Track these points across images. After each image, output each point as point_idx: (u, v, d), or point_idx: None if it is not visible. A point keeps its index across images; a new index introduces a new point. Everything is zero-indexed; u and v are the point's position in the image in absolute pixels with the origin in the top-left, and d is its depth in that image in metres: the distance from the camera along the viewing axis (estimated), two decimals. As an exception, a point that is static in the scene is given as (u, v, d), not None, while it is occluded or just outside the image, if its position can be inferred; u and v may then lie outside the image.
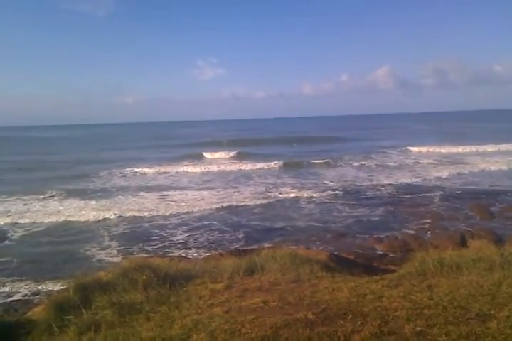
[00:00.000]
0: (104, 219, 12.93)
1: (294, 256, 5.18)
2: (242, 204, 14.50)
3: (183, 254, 9.18)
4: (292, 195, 15.63)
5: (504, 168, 21.17)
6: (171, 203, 14.86)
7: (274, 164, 24.39)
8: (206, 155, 31.47)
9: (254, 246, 9.64)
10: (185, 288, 4.44)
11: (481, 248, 5.36)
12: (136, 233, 11.48)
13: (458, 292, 3.64)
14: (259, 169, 23.57)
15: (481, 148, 29.77)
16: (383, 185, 17.16)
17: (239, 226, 11.81)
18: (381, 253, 9.09)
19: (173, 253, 9.50)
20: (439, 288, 3.80)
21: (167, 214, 13.38)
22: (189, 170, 23.86)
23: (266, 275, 4.70)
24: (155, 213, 13.46)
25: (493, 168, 21.22)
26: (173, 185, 19.06)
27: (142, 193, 17.02)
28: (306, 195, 15.62)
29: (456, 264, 4.39)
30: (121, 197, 16.44)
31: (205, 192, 16.74)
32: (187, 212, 13.53)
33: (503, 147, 29.94)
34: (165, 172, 23.30)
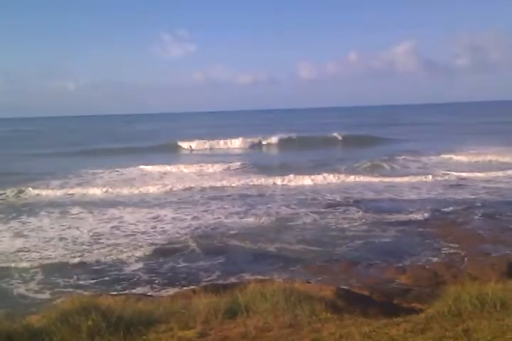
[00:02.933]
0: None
1: (289, 293, 5.19)
2: (218, 220, 14.73)
3: (142, 291, 9.12)
4: (285, 212, 15.80)
5: None
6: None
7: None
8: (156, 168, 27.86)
9: (235, 279, 9.70)
10: (145, 337, 4.41)
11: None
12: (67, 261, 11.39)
13: (503, 338, 3.68)
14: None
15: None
16: (406, 200, 17.45)
17: (215, 251, 11.91)
18: (404, 287, 9.14)
19: (125, 289, 9.42)
20: (478, 332, 3.84)
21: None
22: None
23: (253, 319, 4.70)
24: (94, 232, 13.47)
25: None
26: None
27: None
28: (303, 210, 15.82)
29: (502, 301, 4.44)
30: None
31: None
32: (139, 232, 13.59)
33: None
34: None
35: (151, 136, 54.56)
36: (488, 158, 28.43)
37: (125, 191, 20.94)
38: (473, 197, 17.46)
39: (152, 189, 21.07)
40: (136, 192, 20.78)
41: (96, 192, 20.97)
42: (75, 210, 17.13)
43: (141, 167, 27.81)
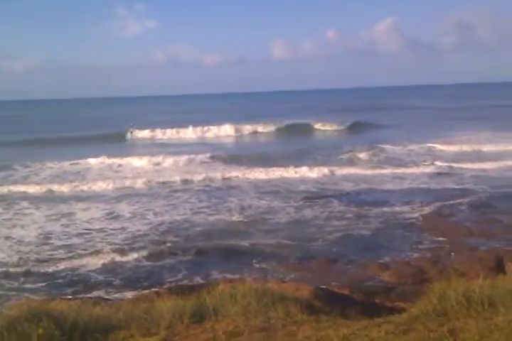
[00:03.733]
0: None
1: (262, 294, 5.20)
2: (184, 217, 14.69)
3: (99, 294, 9.05)
4: (258, 205, 15.99)
5: None
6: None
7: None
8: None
9: (202, 279, 9.71)
10: (102, 345, 4.38)
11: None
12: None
13: (491, 338, 3.75)
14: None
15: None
16: (389, 191, 17.74)
17: (181, 248, 11.89)
18: (386, 285, 9.28)
19: (80, 293, 9.31)
20: (465, 333, 3.90)
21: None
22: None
23: (222, 323, 4.70)
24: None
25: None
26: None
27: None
28: (278, 203, 16.06)
29: (489, 299, 4.51)
30: None
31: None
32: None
33: None
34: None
35: (107, 124, 52.79)
36: (477, 146, 28.64)
37: (77, 184, 20.58)
38: (459, 187, 17.81)
39: (107, 182, 20.64)
40: (89, 185, 20.45)
41: (44, 185, 20.52)
42: (20, 206, 16.87)
43: (95, 158, 27.03)
